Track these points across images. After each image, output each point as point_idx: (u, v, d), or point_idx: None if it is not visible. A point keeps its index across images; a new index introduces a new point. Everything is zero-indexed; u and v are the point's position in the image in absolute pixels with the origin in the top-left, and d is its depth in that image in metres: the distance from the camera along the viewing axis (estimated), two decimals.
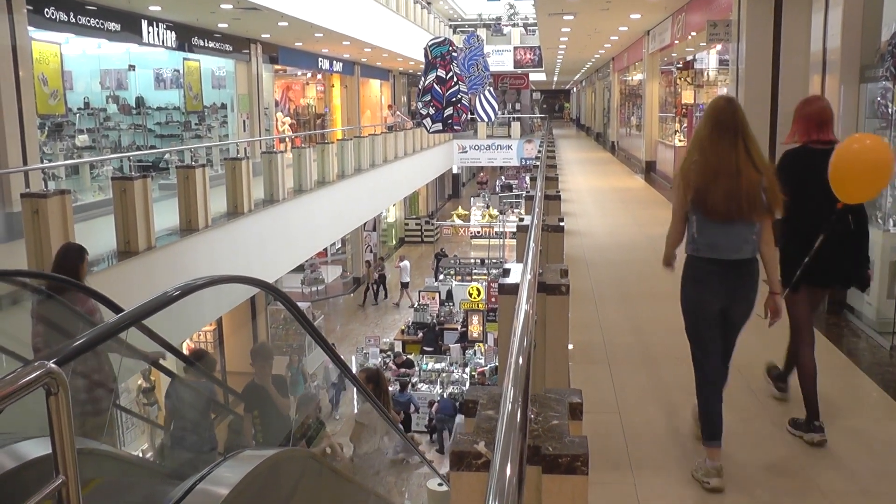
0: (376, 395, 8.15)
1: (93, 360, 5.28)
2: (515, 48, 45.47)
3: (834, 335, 7.36)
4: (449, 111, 21.89)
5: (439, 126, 22.11)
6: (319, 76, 35.16)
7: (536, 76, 52.49)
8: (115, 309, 5.66)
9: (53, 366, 2.10)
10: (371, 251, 34.85)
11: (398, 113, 35.76)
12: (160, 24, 18.86)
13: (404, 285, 30.78)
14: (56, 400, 2.11)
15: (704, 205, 4.51)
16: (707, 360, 4.78)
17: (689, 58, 19.99)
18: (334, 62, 32.28)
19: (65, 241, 8.76)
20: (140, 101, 21.54)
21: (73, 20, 15.52)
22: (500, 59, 44.31)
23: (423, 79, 22.54)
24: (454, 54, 22.57)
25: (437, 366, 21.71)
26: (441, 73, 21.90)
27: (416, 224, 41.68)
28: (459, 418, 17.39)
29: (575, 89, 76.77)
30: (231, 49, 23.05)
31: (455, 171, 49.19)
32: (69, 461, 2.16)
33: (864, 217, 5.26)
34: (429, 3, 41.48)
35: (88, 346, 2.73)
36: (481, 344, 22.66)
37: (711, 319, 4.73)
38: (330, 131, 30.20)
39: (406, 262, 31.31)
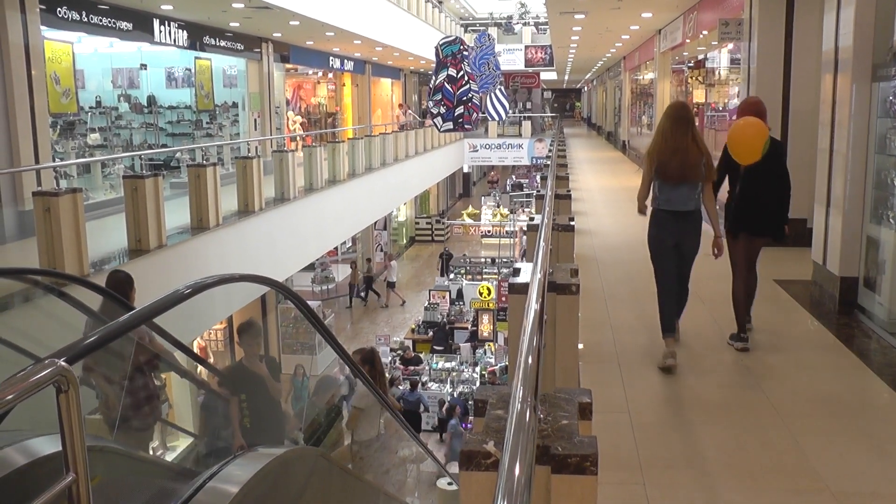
0: (371, 377, 7.66)
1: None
2: (526, 47, 45.43)
3: (845, 336, 7.34)
4: (460, 110, 21.86)
5: (450, 125, 22.09)
6: (330, 75, 35.19)
7: (547, 75, 52.47)
8: (126, 307, 5.68)
9: (64, 364, 2.11)
10: (381, 250, 34.86)
11: (409, 112, 35.78)
12: (172, 23, 18.91)
13: (390, 285, 30.94)
14: (66, 398, 2.12)
15: (665, 172, 6.57)
16: (663, 278, 6.85)
17: (701, 57, 19.90)
18: (345, 61, 32.31)
19: (75, 235, 8.80)
20: (151, 100, 21.59)
21: (86, 19, 15.57)
22: (511, 58, 44.28)
23: (433, 78, 22.51)
24: (465, 53, 22.54)
25: (448, 365, 21.72)
26: (452, 71, 21.88)
27: (427, 223, 41.69)
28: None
29: (586, 88, 76.62)
30: (242, 48, 23.10)
31: (466, 170, 49.20)
32: (79, 459, 2.17)
33: (787, 188, 7.03)
34: (440, 2, 41.48)
35: (99, 344, 2.74)
36: (491, 343, 22.66)
37: (666, 251, 6.78)
38: (341, 130, 30.22)
39: (394, 262, 31.48)
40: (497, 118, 29.57)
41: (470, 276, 28.84)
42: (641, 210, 7.11)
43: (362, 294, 30.91)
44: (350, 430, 7.44)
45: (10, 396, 1.96)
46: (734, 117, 7.30)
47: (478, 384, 20.14)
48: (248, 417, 5.57)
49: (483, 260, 31.53)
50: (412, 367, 21.02)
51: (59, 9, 14.71)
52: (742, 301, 7.10)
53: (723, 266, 7.28)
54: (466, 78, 22.05)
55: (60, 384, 2.10)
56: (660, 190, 6.68)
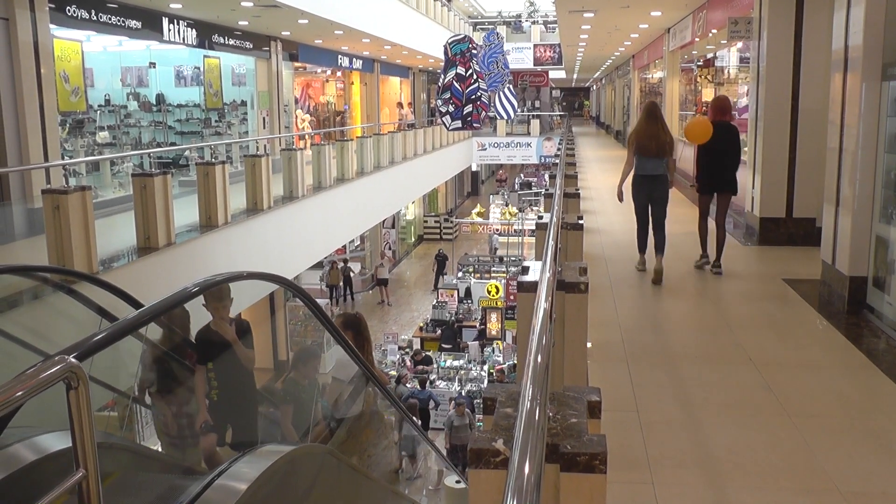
0: (357, 345, 6.89)
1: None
2: (535, 45, 45.35)
3: (853, 335, 7.32)
4: (468, 109, 21.91)
5: (458, 123, 22.13)
6: (339, 73, 35.22)
7: (556, 74, 52.40)
8: (135, 304, 5.69)
9: (74, 360, 2.12)
10: (390, 248, 34.83)
11: (403, 111, 36.02)
12: (181, 21, 18.94)
13: (381, 282, 30.85)
14: (76, 394, 2.12)
15: (644, 150, 9.70)
16: (639, 218, 10.06)
17: (710, 55, 19.87)
18: (354, 59, 32.32)
19: (84, 232, 8.81)
20: (160, 98, 21.64)
21: (95, 18, 15.60)
22: (520, 57, 44.23)
23: (442, 76, 22.55)
24: (474, 52, 22.57)
25: (456, 363, 21.72)
26: (461, 70, 21.92)
27: (435, 221, 41.70)
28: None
29: (595, 87, 76.53)
30: (251, 46, 23.12)
31: (474, 168, 49.22)
32: (89, 455, 2.18)
33: (738, 160, 10.25)
34: (449, 1, 41.45)
35: (108, 341, 2.74)
36: (500, 341, 22.67)
37: (643, 202, 9.96)
38: (349, 128, 30.23)
39: (386, 259, 31.42)
40: (505, 117, 29.56)
41: (478, 275, 28.83)
42: (620, 196, 10.28)
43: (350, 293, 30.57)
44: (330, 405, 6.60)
45: (19, 393, 1.97)
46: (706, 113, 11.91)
47: (486, 382, 20.14)
48: (217, 390, 5.21)
49: (491, 258, 31.52)
50: (422, 367, 21.01)
51: (68, 7, 14.74)
52: (704, 234, 10.28)
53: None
54: (475, 76, 22.08)
55: (70, 381, 2.10)
56: (639, 161, 9.85)
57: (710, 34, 18.15)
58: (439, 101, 22.59)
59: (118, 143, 19.56)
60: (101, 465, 2.24)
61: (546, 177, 38.34)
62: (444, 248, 36.36)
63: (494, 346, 22.56)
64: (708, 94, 19.84)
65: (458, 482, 10.14)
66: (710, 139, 9.79)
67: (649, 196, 9.87)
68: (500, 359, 21.46)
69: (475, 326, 24.55)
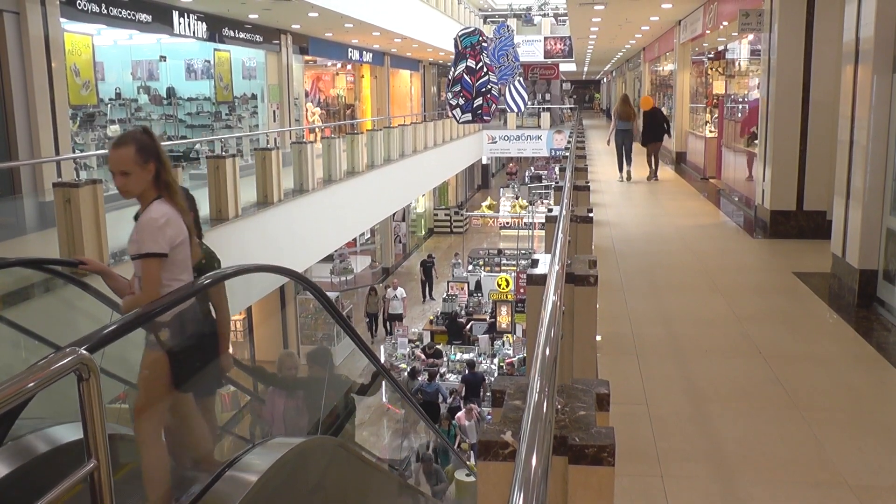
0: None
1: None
2: (545, 38, 45.25)
3: (863, 328, 7.29)
4: (479, 101, 21.90)
5: (469, 116, 22.12)
6: (349, 66, 35.20)
7: (566, 66, 52.26)
8: None
9: (85, 352, 2.13)
10: (400, 241, 34.76)
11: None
12: (191, 15, 18.96)
13: (394, 318, 25.49)
14: (87, 386, 2.14)
15: (622, 117, 19.82)
16: (619, 152, 19.63)
17: (721, 48, 19.81)
18: (364, 52, 32.31)
19: (95, 225, 8.83)
20: (171, 92, 21.66)
21: (105, 11, 15.62)
22: (530, 50, 44.14)
23: (452, 69, 22.53)
24: (484, 44, 22.54)
25: (465, 356, 21.72)
26: (471, 63, 21.90)
27: (446, 214, 41.68)
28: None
29: (605, 80, 76.33)
30: (261, 40, 23.13)
31: (484, 161, 49.17)
32: (100, 446, 2.19)
33: (664, 123, 20.17)
34: None
35: (118, 333, 2.76)
36: (510, 335, 22.65)
37: (620, 145, 19.53)
38: (360, 121, 30.21)
39: (400, 290, 26.00)
40: (516, 109, 29.51)
41: (488, 268, 28.80)
42: (609, 143, 19.93)
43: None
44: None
45: (31, 384, 1.99)
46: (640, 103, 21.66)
47: (496, 376, 20.13)
48: None
49: (498, 251, 31.45)
50: (432, 360, 21.01)
51: (78, 1, 14.75)
52: (650, 162, 19.21)
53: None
54: (485, 69, 22.07)
55: (81, 372, 2.12)
56: (619, 123, 19.28)
57: (721, 26, 18.10)
58: (450, 93, 22.58)
59: None
60: (113, 456, 2.25)
61: (556, 169, 38.27)
62: (454, 241, 36.26)
63: (504, 339, 22.55)
64: (719, 87, 19.86)
65: (467, 475, 10.16)
66: (645, 119, 19.52)
67: (623, 141, 19.03)
68: (511, 352, 21.46)
69: (485, 320, 24.54)
